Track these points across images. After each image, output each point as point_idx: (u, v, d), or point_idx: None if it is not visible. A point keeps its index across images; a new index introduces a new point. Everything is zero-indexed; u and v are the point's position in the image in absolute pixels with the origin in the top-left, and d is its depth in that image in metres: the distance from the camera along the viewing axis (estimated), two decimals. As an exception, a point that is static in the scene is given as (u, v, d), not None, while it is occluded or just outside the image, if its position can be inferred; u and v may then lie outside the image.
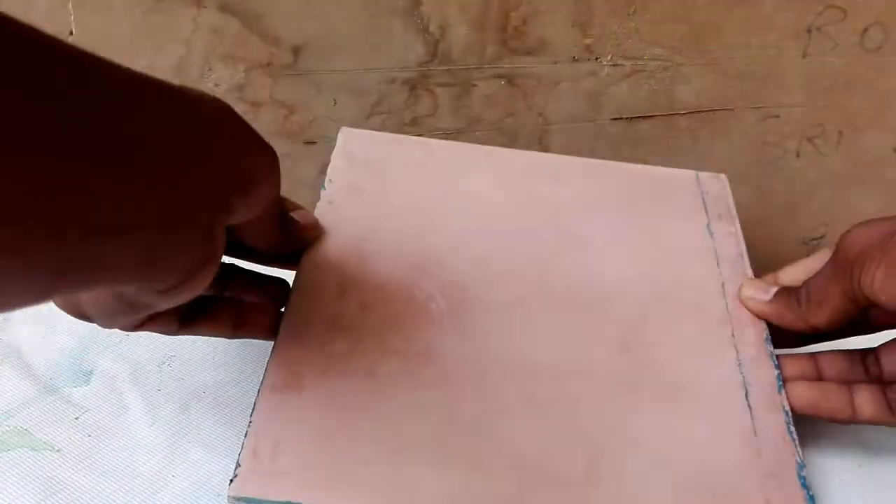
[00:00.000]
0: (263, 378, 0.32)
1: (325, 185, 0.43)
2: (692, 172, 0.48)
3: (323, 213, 0.41)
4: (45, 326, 0.42)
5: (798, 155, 0.64)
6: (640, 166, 0.48)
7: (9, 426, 0.35)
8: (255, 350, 0.42)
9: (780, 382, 0.35)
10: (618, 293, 0.39)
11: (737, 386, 0.35)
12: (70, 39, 0.54)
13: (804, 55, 0.61)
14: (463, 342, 0.35)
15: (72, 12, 0.54)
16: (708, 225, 0.44)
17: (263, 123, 0.59)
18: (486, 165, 0.46)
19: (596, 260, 0.40)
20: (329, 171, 0.44)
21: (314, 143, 0.59)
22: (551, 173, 0.46)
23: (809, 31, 0.59)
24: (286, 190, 0.61)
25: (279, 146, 0.56)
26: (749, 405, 0.34)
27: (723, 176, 0.48)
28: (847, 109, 0.63)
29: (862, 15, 0.59)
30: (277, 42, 0.57)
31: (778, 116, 0.63)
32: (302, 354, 0.33)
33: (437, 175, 0.45)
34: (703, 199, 0.46)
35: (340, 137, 0.47)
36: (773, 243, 0.67)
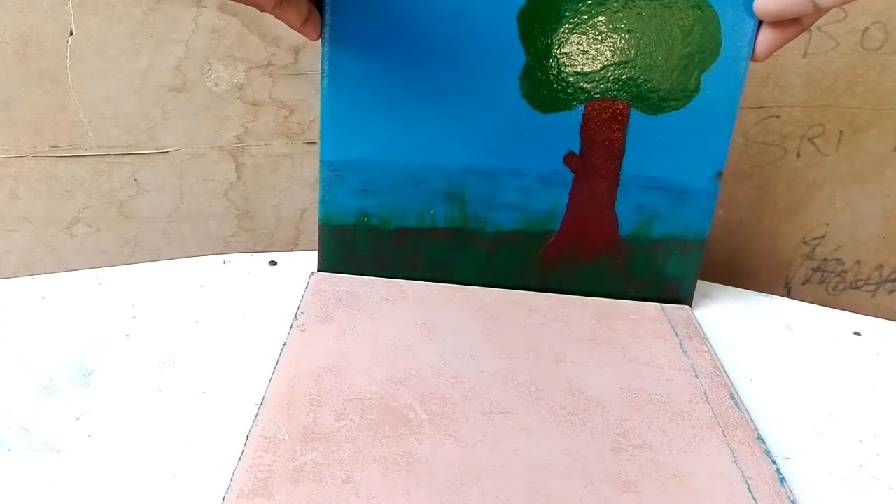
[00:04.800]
0: (229, 485, 0.32)
1: (297, 315, 0.44)
2: (657, 304, 0.49)
3: (295, 338, 0.42)
4: (45, 327, 0.42)
5: (798, 155, 0.64)
6: (605, 300, 0.50)
7: (9, 426, 0.35)
8: (254, 351, 0.42)
9: (781, 477, 0.36)
10: (604, 401, 0.39)
11: (737, 479, 0.35)
12: (70, 39, 0.54)
13: (805, 55, 0.60)
14: (444, 448, 0.34)
15: (72, 12, 0.54)
16: (680, 344, 0.45)
17: (263, 123, 0.59)
18: (458, 300, 0.47)
19: (576, 375, 0.41)
20: (301, 305, 0.45)
21: (314, 143, 0.59)
22: (522, 305, 0.48)
23: (810, 31, 0.59)
24: (287, 189, 0.61)
25: (279, 146, 0.56)
26: (754, 497, 0.34)
27: (687, 307, 0.50)
28: (847, 109, 0.63)
29: (862, 15, 0.59)
30: (277, 42, 0.57)
31: (778, 116, 0.62)
32: (271, 463, 0.32)
33: (409, 308, 0.45)
34: (672, 325, 0.47)
35: (312, 280, 0.48)
36: (773, 243, 0.67)
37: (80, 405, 0.37)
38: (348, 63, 0.44)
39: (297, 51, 0.57)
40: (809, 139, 0.64)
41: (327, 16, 0.43)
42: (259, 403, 0.36)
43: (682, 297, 0.50)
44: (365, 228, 0.48)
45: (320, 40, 0.44)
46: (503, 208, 0.48)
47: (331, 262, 0.49)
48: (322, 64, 0.44)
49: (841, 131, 0.64)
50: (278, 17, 0.39)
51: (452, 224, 0.48)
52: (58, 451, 0.34)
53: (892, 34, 0.60)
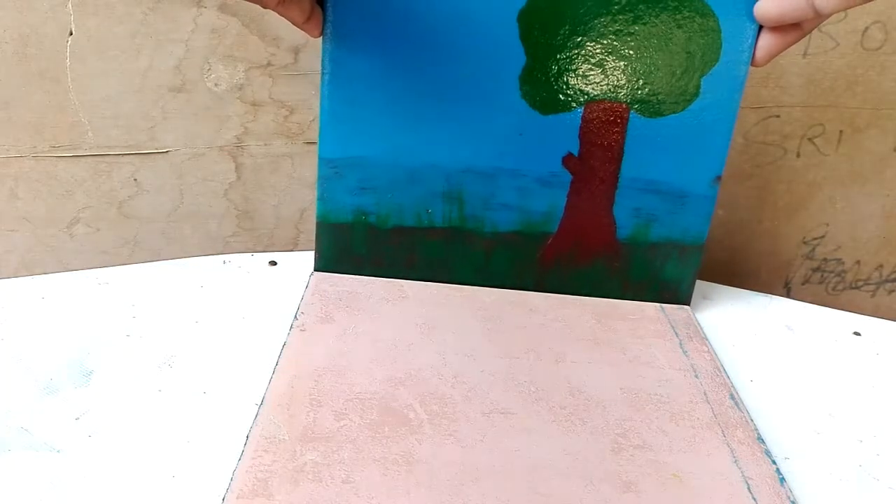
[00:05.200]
0: (229, 485, 0.32)
1: (297, 315, 0.44)
2: (657, 304, 0.50)
3: (295, 338, 0.42)
4: (45, 327, 0.42)
5: (798, 155, 0.64)
6: (605, 300, 0.50)
7: (9, 426, 0.35)
8: (254, 351, 0.42)
9: (781, 476, 0.36)
10: (603, 401, 0.39)
11: (737, 479, 0.35)
12: (70, 39, 0.54)
13: (805, 55, 0.60)
14: (444, 448, 0.34)
15: (71, 12, 0.54)
16: (680, 344, 0.45)
17: (263, 123, 0.59)
18: (458, 300, 0.47)
19: (576, 375, 0.41)
20: (301, 305, 0.45)
21: (314, 143, 0.59)
22: (522, 305, 0.48)
23: (810, 31, 0.59)
24: (287, 189, 0.61)
25: (279, 146, 0.56)
26: (754, 497, 0.34)
27: (687, 307, 0.50)
28: (847, 109, 0.63)
29: (862, 15, 0.59)
30: (277, 42, 0.57)
31: (778, 116, 0.63)
32: (271, 463, 0.32)
33: (409, 309, 0.46)
34: (672, 325, 0.47)
35: (312, 280, 0.48)
36: (773, 243, 0.67)
37: (80, 405, 0.37)
38: (349, 61, 0.44)
39: (296, 51, 0.57)
40: (809, 139, 0.64)
41: (329, 13, 0.43)
42: (259, 403, 0.36)
43: (680, 301, 0.50)
44: (362, 226, 0.48)
45: (321, 38, 0.44)
46: (501, 209, 0.48)
47: (328, 260, 0.49)
48: (323, 61, 0.44)
49: (841, 131, 0.64)
50: (281, 14, 0.39)
51: (450, 224, 0.48)
52: (58, 451, 0.34)
53: (892, 34, 0.60)
